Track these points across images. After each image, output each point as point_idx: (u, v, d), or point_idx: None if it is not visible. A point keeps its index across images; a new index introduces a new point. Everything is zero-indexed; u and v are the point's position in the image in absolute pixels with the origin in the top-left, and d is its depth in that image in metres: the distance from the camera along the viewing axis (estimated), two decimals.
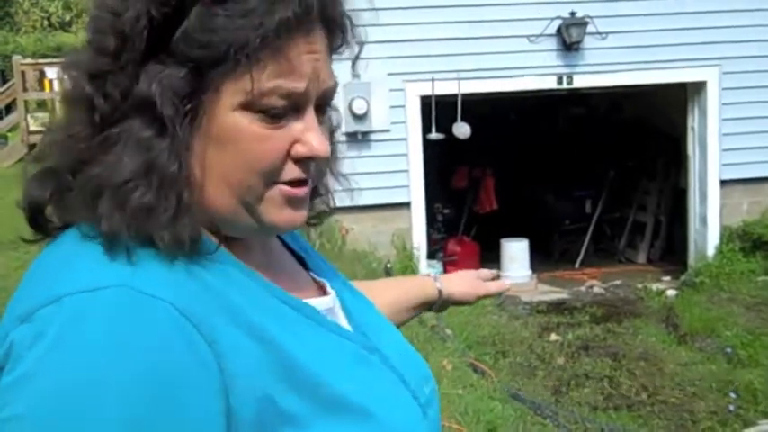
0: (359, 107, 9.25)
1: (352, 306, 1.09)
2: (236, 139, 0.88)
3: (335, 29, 0.98)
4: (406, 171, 9.49)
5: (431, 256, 9.94)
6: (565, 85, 9.62)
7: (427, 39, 9.30)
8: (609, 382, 6.88)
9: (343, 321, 1.05)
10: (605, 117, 11.99)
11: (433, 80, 9.30)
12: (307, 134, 0.92)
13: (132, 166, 0.84)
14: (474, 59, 9.35)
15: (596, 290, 9.88)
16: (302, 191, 0.94)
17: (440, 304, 1.61)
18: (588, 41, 9.49)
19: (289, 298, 0.95)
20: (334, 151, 1.04)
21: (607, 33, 9.48)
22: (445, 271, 10.14)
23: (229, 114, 0.88)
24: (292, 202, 0.94)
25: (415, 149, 9.52)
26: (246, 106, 0.88)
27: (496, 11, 9.36)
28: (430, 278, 1.62)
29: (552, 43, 9.54)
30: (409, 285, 1.60)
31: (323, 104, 0.96)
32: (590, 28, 9.42)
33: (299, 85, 0.90)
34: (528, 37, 9.46)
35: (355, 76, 9.32)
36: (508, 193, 11.75)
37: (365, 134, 9.41)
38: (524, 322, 8.43)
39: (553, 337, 8.01)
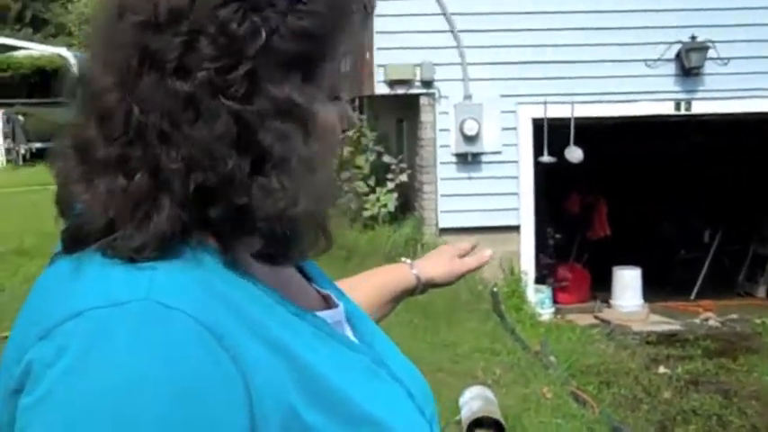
0: (470, 128, 9.24)
1: (356, 319, 1.07)
2: (332, 127, 0.95)
3: None
4: (516, 194, 9.41)
5: (539, 280, 9.80)
6: (683, 111, 9.38)
7: (541, 61, 9.23)
8: (717, 421, 6.61)
9: (349, 334, 1.03)
10: (726, 145, 11.61)
11: (545, 103, 9.21)
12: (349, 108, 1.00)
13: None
14: (588, 83, 9.23)
15: (711, 323, 9.52)
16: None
17: (420, 290, 1.56)
18: (709, 67, 9.24)
19: (301, 311, 0.93)
20: None
21: (729, 59, 9.19)
22: (555, 297, 9.99)
23: (328, 106, 0.93)
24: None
25: (525, 172, 9.43)
26: (334, 96, 0.95)
27: (613, 34, 9.22)
28: (406, 265, 1.56)
29: (671, 68, 9.33)
30: (387, 277, 1.55)
31: None
32: (711, 53, 9.17)
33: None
34: (645, 61, 9.28)
35: (467, 96, 9.33)
36: (622, 219, 11.49)
37: (475, 155, 9.38)
38: (632, 353, 8.20)
39: (661, 369, 7.76)
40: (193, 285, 0.82)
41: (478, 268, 1.61)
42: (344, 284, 1.39)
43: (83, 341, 0.76)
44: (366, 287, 1.48)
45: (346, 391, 0.88)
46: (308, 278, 1.08)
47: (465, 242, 1.65)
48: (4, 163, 18.66)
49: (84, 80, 0.88)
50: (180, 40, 0.82)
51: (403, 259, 1.58)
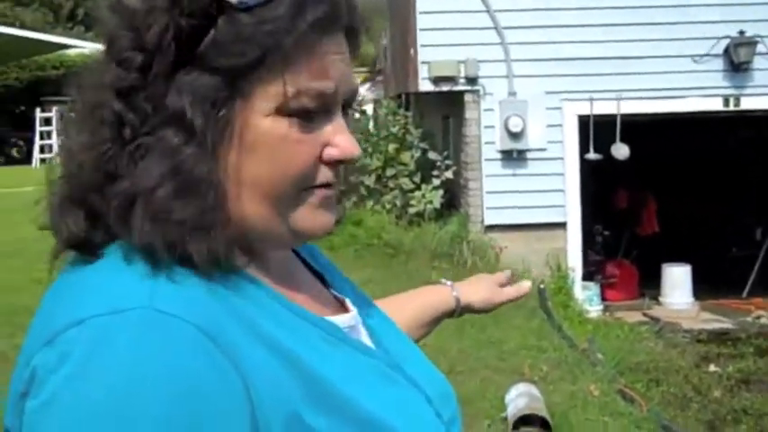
0: (515, 125, 9.21)
1: (373, 323, 1.07)
2: (270, 144, 0.88)
3: (355, 32, 0.96)
4: (562, 191, 9.35)
5: (586, 277, 9.74)
6: (731, 107, 9.25)
7: (587, 57, 9.16)
8: None
9: (365, 338, 1.03)
10: None
11: (591, 99, 9.15)
12: (338, 136, 0.92)
13: (159, 171, 0.84)
14: (635, 79, 9.15)
15: (763, 321, 9.37)
16: (332, 192, 0.95)
17: (458, 313, 1.56)
18: (757, 62, 9.11)
19: (309, 315, 0.94)
20: None
21: None
22: (603, 293, 9.92)
23: (262, 120, 0.87)
24: (324, 205, 0.94)
25: (571, 169, 9.38)
26: (279, 111, 0.87)
27: (661, 30, 9.12)
28: (447, 288, 1.56)
29: (719, 63, 9.21)
30: (428, 299, 1.54)
31: (347, 106, 0.96)
32: (760, 48, 9.03)
33: (329, 86, 0.90)
34: (692, 57, 9.16)
35: (512, 93, 9.30)
36: (671, 216, 11.36)
37: (521, 152, 9.35)
38: (682, 351, 8.11)
39: (712, 368, 7.68)
40: (195, 292, 0.83)
41: (518, 299, 1.61)
42: (389, 304, 1.39)
43: (84, 348, 0.78)
44: (408, 308, 1.49)
45: (353, 394, 0.89)
46: (326, 284, 1.09)
47: (503, 273, 1.65)
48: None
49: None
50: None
51: (443, 281, 1.59)
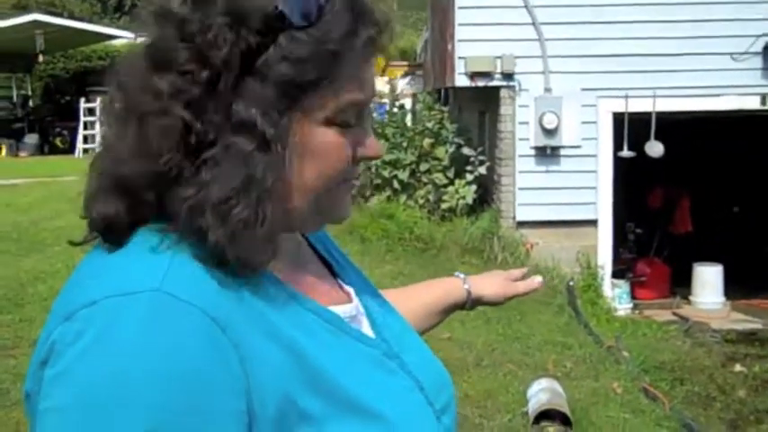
0: (549, 121, 9.21)
1: (376, 313, 1.14)
2: (322, 150, 0.98)
3: (386, 49, 1.06)
4: (595, 188, 9.35)
5: (617, 275, 9.73)
6: None
7: (622, 54, 9.13)
8: None
9: (366, 328, 1.11)
10: None
11: (626, 97, 9.13)
12: (368, 138, 1.04)
13: (233, 179, 0.91)
14: (671, 77, 9.10)
15: None
16: (356, 184, 1.10)
17: (470, 305, 1.64)
18: None
19: (312, 305, 1.02)
20: None
21: None
22: (633, 292, 9.90)
23: (316, 129, 0.97)
24: (351, 195, 1.08)
25: (605, 166, 9.37)
26: (328, 120, 0.97)
27: (697, 27, 9.06)
28: (458, 280, 1.63)
29: (757, 62, 9.12)
30: (438, 290, 1.61)
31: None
32: None
33: (367, 96, 1.02)
34: (731, 54, 9.10)
35: (547, 89, 9.31)
36: (705, 215, 11.29)
37: (554, 149, 9.36)
38: (709, 350, 8.08)
39: (737, 368, 7.64)
40: (204, 278, 0.92)
41: (527, 294, 1.69)
42: (402, 294, 1.51)
43: (98, 326, 0.87)
44: (420, 298, 1.58)
45: (345, 382, 0.97)
46: (334, 272, 1.18)
47: (518, 269, 1.73)
48: None
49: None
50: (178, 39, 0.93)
51: (457, 273, 1.66)
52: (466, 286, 1.62)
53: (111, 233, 0.97)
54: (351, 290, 1.16)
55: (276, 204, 0.94)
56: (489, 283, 1.66)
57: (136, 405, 0.84)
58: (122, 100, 0.97)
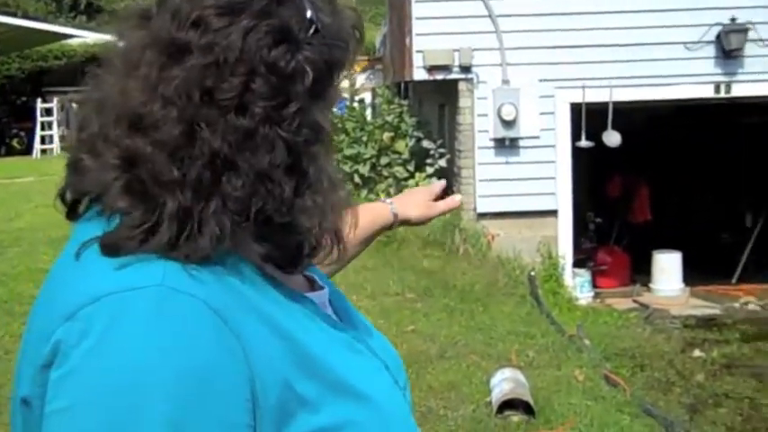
0: (507, 113, 9.26)
1: (333, 298, 1.17)
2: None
3: None
4: (554, 179, 9.43)
5: (578, 264, 9.83)
6: (722, 94, 9.31)
7: (579, 45, 9.21)
8: (750, 404, 6.60)
9: (330, 313, 1.13)
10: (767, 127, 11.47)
11: (584, 87, 9.21)
12: None
13: (323, 191, 0.98)
14: (627, 67, 9.20)
15: (751, 307, 9.47)
16: None
17: (396, 226, 1.72)
18: (749, 48, 9.15)
19: (293, 293, 1.03)
20: None
21: None
22: (595, 281, 10.02)
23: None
24: None
25: (563, 157, 9.45)
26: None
27: (652, 17, 9.16)
28: (385, 205, 1.71)
29: (710, 50, 9.26)
30: (367, 218, 1.65)
31: None
32: (751, 34, 9.08)
33: None
34: (685, 44, 9.22)
35: (505, 81, 9.37)
36: (663, 203, 11.44)
37: (513, 140, 9.42)
38: (668, 337, 8.20)
39: (696, 353, 7.76)
40: (199, 272, 0.92)
41: (448, 212, 1.80)
42: None
43: (102, 324, 0.86)
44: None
45: (334, 366, 0.99)
46: None
47: (437, 184, 1.80)
48: (59, 150, 19.04)
49: (130, 103, 0.94)
50: (239, 80, 0.92)
51: (382, 198, 1.75)
52: (393, 210, 1.69)
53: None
54: (314, 276, 1.17)
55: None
56: (414, 205, 1.73)
57: (153, 399, 0.84)
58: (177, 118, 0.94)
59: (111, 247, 0.92)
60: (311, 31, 0.97)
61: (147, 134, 0.92)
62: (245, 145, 0.92)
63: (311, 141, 0.97)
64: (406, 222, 1.72)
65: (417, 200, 1.75)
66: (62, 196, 1.02)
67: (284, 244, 0.99)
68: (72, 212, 1.02)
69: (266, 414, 0.91)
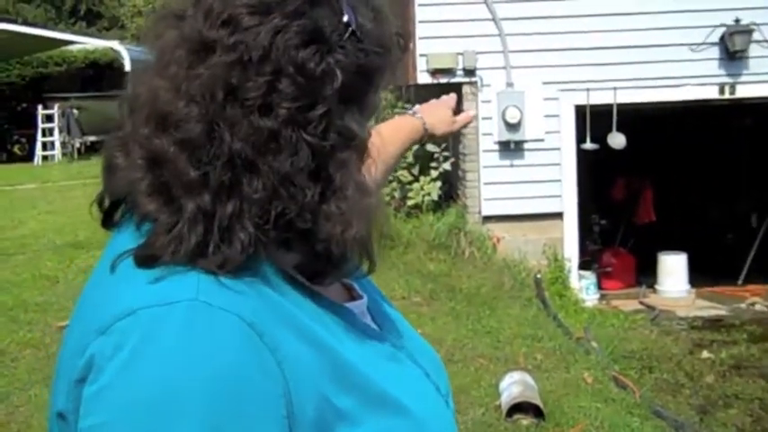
0: (512, 116, 9.25)
1: (372, 305, 1.14)
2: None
3: None
4: (559, 181, 9.41)
5: (584, 267, 9.81)
6: (727, 95, 9.30)
7: (583, 47, 9.20)
8: (759, 405, 6.58)
9: (370, 321, 1.10)
10: None
11: (588, 90, 9.20)
12: None
13: (354, 200, 0.95)
14: (631, 69, 9.18)
15: (758, 307, 9.45)
16: None
17: (426, 141, 1.82)
18: (753, 50, 9.15)
19: (330, 303, 1.01)
20: None
21: None
22: (600, 283, 10.00)
23: None
24: None
25: (568, 159, 9.43)
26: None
27: (656, 19, 9.15)
28: (416, 118, 1.78)
29: (714, 52, 9.25)
30: (403, 130, 1.76)
31: None
32: (756, 36, 9.08)
33: None
34: (689, 45, 9.21)
35: (509, 84, 9.36)
36: (668, 204, 11.43)
37: (518, 143, 9.40)
38: (676, 338, 8.19)
39: (705, 354, 7.74)
40: (234, 285, 0.90)
41: (467, 125, 1.96)
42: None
43: (137, 339, 0.84)
44: (393, 147, 1.71)
45: (372, 377, 0.97)
46: None
47: (451, 97, 1.88)
48: (60, 156, 19.03)
49: (155, 102, 0.93)
50: (264, 80, 0.90)
51: (412, 112, 1.80)
52: (426, 126, 1.77)
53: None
54: (353, 284, 1.14)
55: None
56: (440, 121, 1.81)
57: (186, 415, 0.83)
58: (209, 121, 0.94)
59: (145, 259, 0.90)
60: (347, 34, 0.95)
61: (170, 133, 0.91)
62: (268, 147, 0.90)
63: (340, 147, 0.94)
64: (432, 137, 1.80)
65: (441, 116, 1.81)
66: (100, 203, 1.00)
67: (310, 252, 0.96)
68: (107, 220, 1.01)
69: (304, 429, 0.89)
